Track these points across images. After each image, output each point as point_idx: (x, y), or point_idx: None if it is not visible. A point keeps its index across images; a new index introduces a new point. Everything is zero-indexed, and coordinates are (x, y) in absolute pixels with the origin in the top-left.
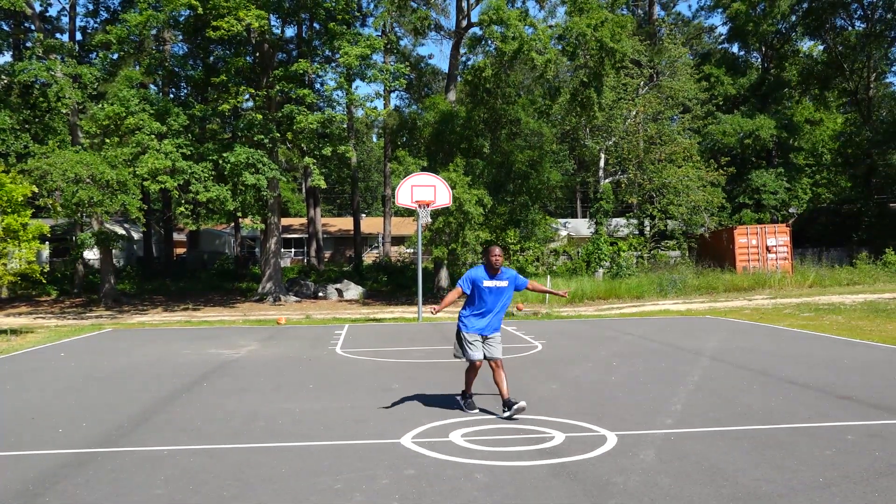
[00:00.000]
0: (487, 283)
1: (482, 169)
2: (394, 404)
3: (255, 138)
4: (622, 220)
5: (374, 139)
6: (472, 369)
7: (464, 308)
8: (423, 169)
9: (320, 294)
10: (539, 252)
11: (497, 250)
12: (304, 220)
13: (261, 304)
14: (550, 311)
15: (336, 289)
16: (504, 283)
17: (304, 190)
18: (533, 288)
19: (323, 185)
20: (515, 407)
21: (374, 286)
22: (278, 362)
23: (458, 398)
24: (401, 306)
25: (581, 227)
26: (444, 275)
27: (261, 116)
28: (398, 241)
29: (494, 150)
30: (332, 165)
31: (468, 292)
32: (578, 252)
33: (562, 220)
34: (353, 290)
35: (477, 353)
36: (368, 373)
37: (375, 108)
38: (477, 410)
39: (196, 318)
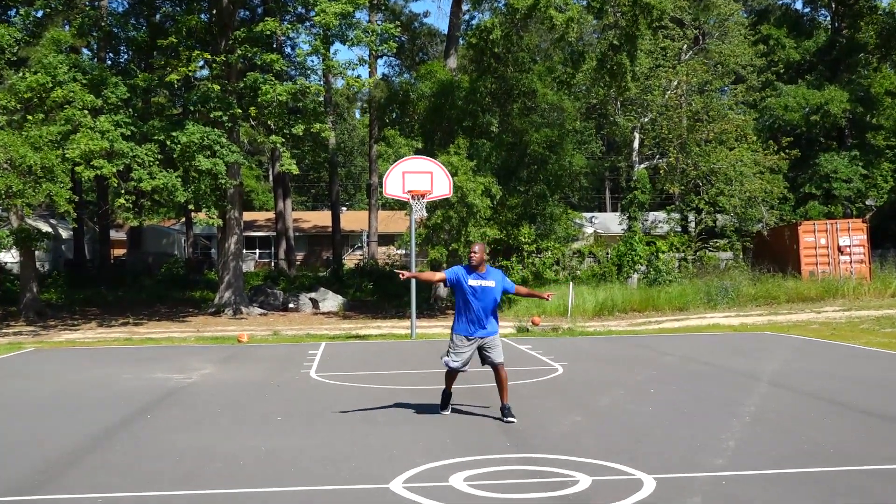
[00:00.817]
0: (472, 283)
1: (489, 152)
2: (381, 441)
3: (212, 114)
4: (661, 215)
5: (358, 115)
6: (450, 373)
7: (455, 313)
8: (418, 152)
9: (291, 305)
10: (559, 254)
11: (476, 247)
12: (271, 215)
13: (218, 317)
14: (573, 326)
15: (310, 298)
16: (491, 283)
17: (271, 178)
18: (518, 293)
19: (294, 170)
20: (508, 419)
21: (356, 295)
22: (239, 389)
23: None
24: (390, 320)
25: (611, 222)
26: None
27: (218, 87)
28: (387, 240)
29: (504, 128)
30: (306, 147)
31: (450, 279)
32: (608, 254)
33: (587, 215)
34: (332, 301)
35: (456, 362)
36: (350, 402)
37: (359, 77)
38: (450, 410)
39: (138, 335)
